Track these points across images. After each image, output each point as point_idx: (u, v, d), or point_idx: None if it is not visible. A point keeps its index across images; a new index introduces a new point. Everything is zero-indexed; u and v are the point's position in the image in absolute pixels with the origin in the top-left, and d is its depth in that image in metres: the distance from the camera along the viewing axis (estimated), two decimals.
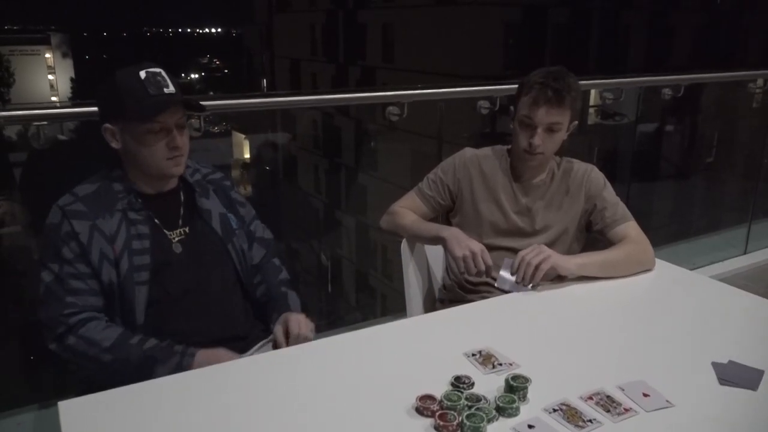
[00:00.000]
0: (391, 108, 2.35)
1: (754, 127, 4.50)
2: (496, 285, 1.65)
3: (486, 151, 1.85)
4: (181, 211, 1.50)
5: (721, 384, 1.18)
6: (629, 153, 4.28)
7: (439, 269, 1.96)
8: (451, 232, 1.68)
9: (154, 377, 1.24)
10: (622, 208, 1.74)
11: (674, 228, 4.78)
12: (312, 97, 2.35)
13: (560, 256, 1.57)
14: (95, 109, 1.46)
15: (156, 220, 1.45)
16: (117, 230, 1.39)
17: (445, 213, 1.88)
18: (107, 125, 1.40)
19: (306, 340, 1.42)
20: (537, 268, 1.52)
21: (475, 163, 1.81)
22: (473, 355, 1.26)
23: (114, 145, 1.41)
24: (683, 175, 5.35)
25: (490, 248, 1.68)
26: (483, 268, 1.57)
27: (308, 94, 2.36)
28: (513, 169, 1.80)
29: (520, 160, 1.76)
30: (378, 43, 20.80)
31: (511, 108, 1.76)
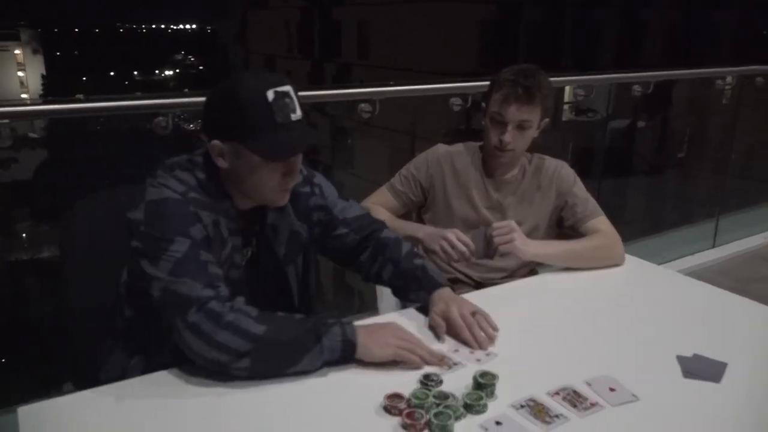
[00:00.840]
0: (363, 105, 2.35)
1: (723, 123, 4.58)
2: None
3: (458, 147, 1.85)
4: (257, 228, 1.35)
5: (685, 377, 1.20)
6: (602, 149, 4.33)
7: None
8: (424, 231, 1.68)
9: (302, 367, 1.14)
10: (592, 203, 1.76)
11: (646, 222, 4.85)
12: None
13: (523, 242, 1.58)
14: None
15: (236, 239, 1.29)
16: (228, 235, 1.25)
17: (417, 209, 1.88)
18: (217, 143, 1.21)
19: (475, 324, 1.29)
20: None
21: (447, 159, 1.82)
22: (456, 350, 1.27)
23: (219, 163, 1.23)
24: (654, 171, 5.43)
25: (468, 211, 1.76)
26: (464, 249, 1.56)
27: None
28: (485, 165, 1.80)
29: (491, 157, 1.77)
30: (353, 40, 20.77)
31: (483, 105, 1.77)
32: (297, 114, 1.20)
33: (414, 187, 1.81)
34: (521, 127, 1.68)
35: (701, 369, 1.22)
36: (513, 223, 1.58)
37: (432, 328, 1.34)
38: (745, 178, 5.16)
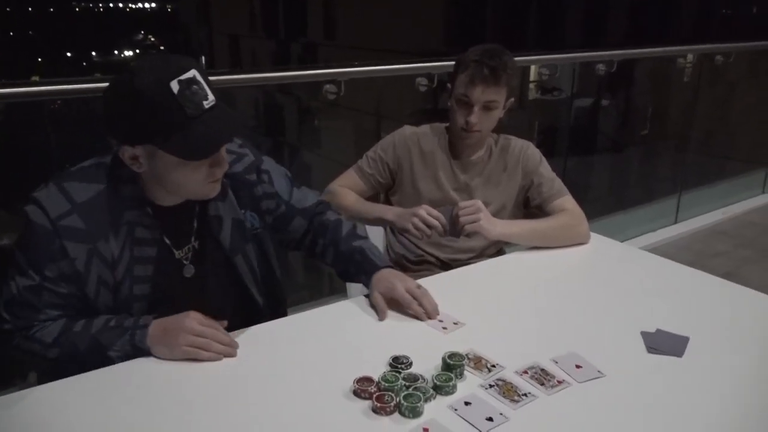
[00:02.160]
0: (328, 86, 2.32)
1: (684, 101, 4.67)
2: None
3: (425, 128, 1.84)
4: (195, 223, 1.28)
5: (649, 352, 1.23)
6: (567, 127, 4.38)
7: (379, 248, 1.95)
8: (394, 212, 1.67)
9: (111, 361, 1.15)
10: (558, 183, 1.77)
11: (610, 200, 4.93)
12: (248, 75, 2.28)
13: (489, 222, 1.59)
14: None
15: (166, 240, 1.24)
16: (120, 254, 1.18)
17: (385, 191, 1.87)
18: (127, 148, 1.11)
19: (424, 295, 1.32)
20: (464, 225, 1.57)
21: (414, 140, 1.81)
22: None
23: (135, 168, 1.14)
24: (618, 148, 5.50)
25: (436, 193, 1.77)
26: (437, 223, 1.56)
27: (244, 73, 2.29)
28: (451, 147, 1.80)
29: (457, 138, 1.77)
30: (319, 19, 20.47)
31: (449, 85, 1.76)
32: (210, 100, 1.10)
33: (381, 169, 1.80)
34: (487, 107, 1.68)
35: (664, 344, 1.25)
36: (479, 203, 1.59)
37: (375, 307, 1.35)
38: (705, 155, 5.27)
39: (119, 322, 1.18)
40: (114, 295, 1.20)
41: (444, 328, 1.29)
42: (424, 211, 1.57)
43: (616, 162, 5.50)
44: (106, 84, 1.11)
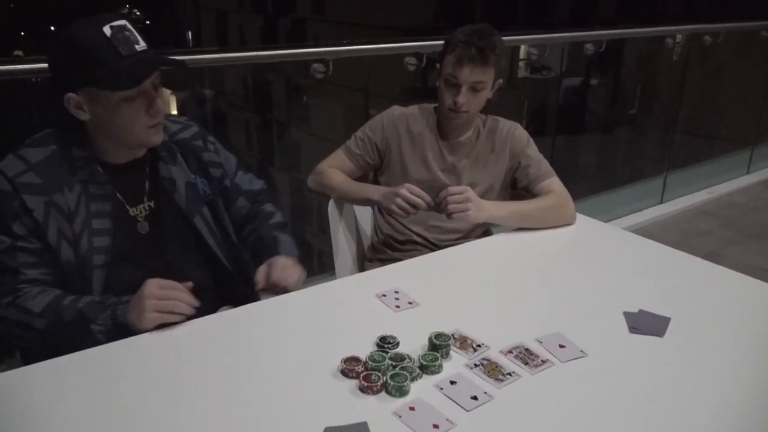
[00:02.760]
0: (316, 65, 2.30)
1: (672, 82, 4.68)
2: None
3: (413, 109, 1.84)
4: (147, 184, 1.34)
5: (631, 332, 1.25)
6: (555, 106, 4.38)
7: (368, 228, 1.97)
8: (380, 192, 1.68)
9: (96, 340, 1.17)
10: (545, 164, 1.78)
11: (597, 179, 4.96)
12: (235, 54, 2.27)
13: (477, 208, 1.58)
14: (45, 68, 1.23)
15: (119, 195, 1.30)
16: (76, 206, 1.24)
17: (373, 171, 1.87)
18: (71, 95, 1.20)
19: (284, 291, 1.34)
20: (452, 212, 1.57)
21: (402, 121, 1.81)
22: (384, 295, 1.35)
23: (81, 116, 1.22)
24: (606, 128, 5.52)
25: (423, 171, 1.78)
26: (419, 201, 1.57)
27: (232, 51, 2.27)
28: (439, 127, 1.80)
29: (445, 119, 1.77)
30: None
31: (437, 65, 1.76)
32: (141, 45, 1.20)
33: (370, 149, 1.80)
34: (475, 88, 1.68)
35: (646, 324, 1.27)
36: (469, 191, 1.59)
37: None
38: (692, 135, 5.30)
39: (104, 299, 1.23)
40: (75, 249, 1.24)
41: (397, 306, 1.32)
42: (406, 190, 1.58)
43: (604, 141, 5.53)
44: (49, 45, 1.22)
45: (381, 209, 1.81)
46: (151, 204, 1.35)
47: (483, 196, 1.74)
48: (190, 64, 2.17)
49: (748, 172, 5.00)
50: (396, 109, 1.84)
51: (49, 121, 1.33)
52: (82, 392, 1.04)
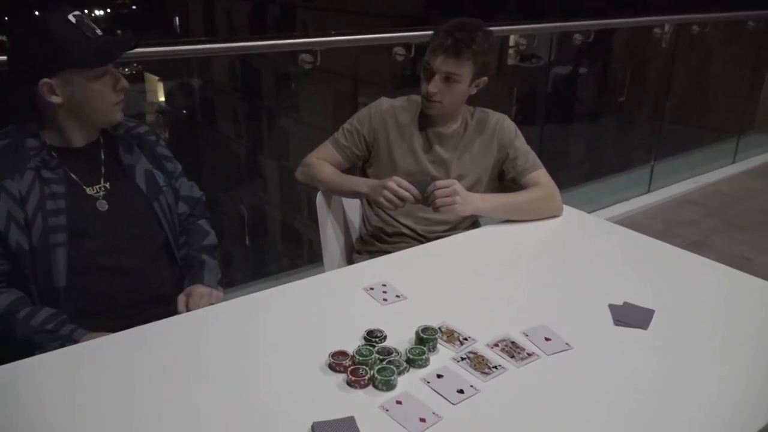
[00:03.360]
0: (304, 56, 2.29)
1: (660, 71, 4.70)
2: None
3: (401, 101, 1.84)
4: (103, 168, 1.42)
5: (615, 325, 1.27)
6: (544, 94, 4.38)
7: (356, 220, 1.97)
8: (368, 185, 1.68)
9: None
10: (532, 156, 1.79)
11: (585, 169, 4.98)
12: (222, 45, 2.25)
13: (464, 201, 1.59)
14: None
15: (74, 176, 1.37)
16: (29, 191, 1.31)
17: (361, 163, 1.87)
18: (45, 80, 1.29)
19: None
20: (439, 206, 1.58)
21: (390, 113, 1.81)
22: (371, 288, 1.37)
23: (55, 100, 1.31)
24: (594, 117, 5.54)
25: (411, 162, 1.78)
26: (406, 194, 1.57)
27: (219, 42, 2.25)
28: (426, 119, 1.80)
29: (423, 107, 1.77)
30: None
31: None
32: (100, 31, 1.32)
33: (358, 141, 1.80)
34: (448, 79, 1.67)
35: (630, 316, 1.29)
36: (456, 185, 1.59)
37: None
38: (679, 125, 5.33)
39: (57, 328, 1.29)
40: (29, 232, 1.30)
41: (385, 300, 1.33)
42: (394, 183, 1.57)
43: (591, 131, 5.54)
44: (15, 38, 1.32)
45: (369, 202, 1.81)
46: (107, 185, 1.42)
47: (471, 188, 1.75)
48: (178, 55, 2.16)
49: (733, 162, 5.04)
50: (384, 101, 1.84)
51: (6, 114, 1.42)
52: (66, 388, 1.04)
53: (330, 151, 1.82)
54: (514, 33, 3.32)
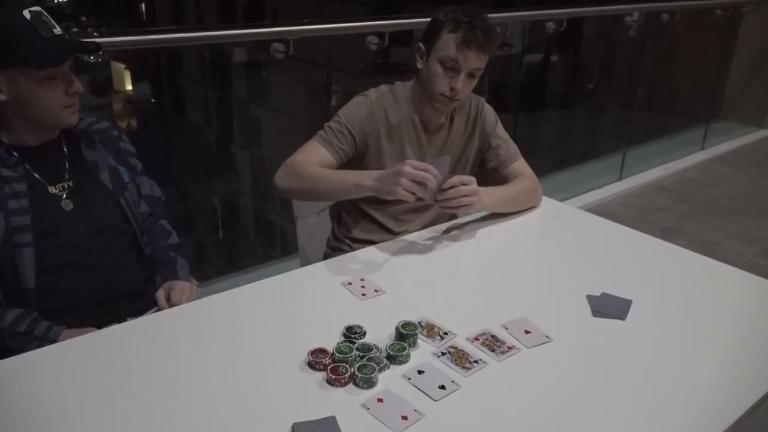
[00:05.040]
0: (276, 45, 2.25)
1: (631, 59, 4.74)
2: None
3: (388, 97, 1.67)
4: (66, 165, 1.38)
5: (594, 316, 1.27)
6: (517, 83, 4.40)
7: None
8: (373, 177, 1.41)
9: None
10: (513, 145, 1.77)
11: (558, 156, 5.02)
12: (191, 34, 2.18)
13: (482, 199, 1.52)
14: None
15: (36, 175, 1.33)
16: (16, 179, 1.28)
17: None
18: None
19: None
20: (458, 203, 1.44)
21: (381, 112, 1.65)
22: (349, 283, 1.35)
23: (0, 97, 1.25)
24: (567, 106, 5.58)
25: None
26: (428, 176, 1.33)
27: (188, 31, 2.19)
28: (419, 116, 1.67)
29: (431, 104, 1.62)
30: None
31: (421, 45, 1.60)
32: (58, 30, 1.26)
33: (350, 140, 1.63)
34: (472, 75, 1.56)
35: (608, 307, 1.29)
36: (474, 183, 1.46)
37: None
38: (650, 112, 5.40)
39: (30, 329, 1.26)
40: None
41: (363, 294, 1.31)
42: (410, 167, 1.32)
43: (564, 118, 5.58)
44: None
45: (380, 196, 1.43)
46: (71, 183, 1.38)
47: (454, 169, 1.71)
48: (144, 45, 2.10)
49: (702, 149, 5.13)
50: (372, 98, 1.65)
51: None
52: (44, 388, 1.01)
53: (318, 150, 1.59)
54: None
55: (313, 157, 1.57)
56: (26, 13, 1.22)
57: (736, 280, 1.46)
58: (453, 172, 1.71)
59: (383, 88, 1.70)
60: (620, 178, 4.36)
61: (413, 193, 1.33)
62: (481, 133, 1.75)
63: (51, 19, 1.26)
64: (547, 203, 1.81)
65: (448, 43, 1.52)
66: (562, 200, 1.89)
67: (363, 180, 1.43)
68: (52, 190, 1.35)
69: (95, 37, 1.98)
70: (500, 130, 1.77)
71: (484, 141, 1.76)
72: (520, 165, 1.74)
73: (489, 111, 1.76)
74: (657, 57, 5.12)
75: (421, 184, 1.33)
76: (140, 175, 1.57)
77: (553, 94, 5.38)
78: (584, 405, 1.02)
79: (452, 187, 1.43)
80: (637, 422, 0.98)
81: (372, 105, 1.65)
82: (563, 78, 5.59)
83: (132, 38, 2.05)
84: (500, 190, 1.69)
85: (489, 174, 1.77)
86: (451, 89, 1.55)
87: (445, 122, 1.72)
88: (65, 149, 1.39)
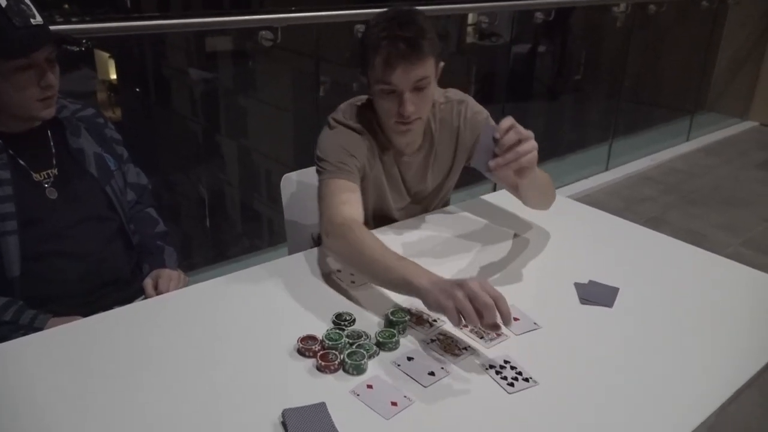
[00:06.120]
0: (264, 32, 2.23)
1: (618, 50, 4.76)
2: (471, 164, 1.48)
3: (355, 127, 1.48)
4: (53, 152, 1.38)
5: (582, 303, 1.28)
6: (505, 73, 4.40)
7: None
8: (429, 279, 1.10)
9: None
10: None
11: (545, 147, 5.03)
12: (177, 21, 2.17)
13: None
14: None
15: (20, 161, 1.32)
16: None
17: None
18: None
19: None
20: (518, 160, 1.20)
21: (355, 146, 1.46)
22: (339, 271, 1.35)
23: None
24: (554, 96, 5.59)
25: (379, 214, 1.54)
26: (490, 302, 1.03)
27: (173, 18, 2.18)
28: (390, 144, 1.51)
29: (395, 133, 1.46)
30: None
31: (361, 75, 1.43)
32: (38, 19, 1.23)
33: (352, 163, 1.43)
34: (419, 88, 1.36)
35: (596, 295, 1.30)
36: (532, 139, 1.23)
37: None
38: (635, 103, 5.43)
39: (15, 317, 1.26)
40: None
41: (352, 282, 1.31)
42: (477, 286, 1.04)
43: (552, 109, 5.60)
44: None
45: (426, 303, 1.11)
46: (55, 171, 1.36)
47: (443, 185, 1.65)
48: (128, 31, 2.08)
49: (687, 140, 5.17)
50: (342, 134, 1.47)
51: None
52: (30, 376, 1.00)
53: (341, 184, 1.37)
54: (474, 11, 3.30)
55: (345, 198, 1.35)
56: (2, 1, 1.19)
57: (721, 268, 1.48)
58: (443, 185, 1.64)
59: (346, 115, 1.50)
60: (607, 169, 4.38)
61: (461, 320, 1.04)
62: (473, 134, 1.57)
63: (32, 8, 1.23)
64: None
65: (375, 67, 1.34)
66: None
67: (416, 277, 1.11)
68: (36, 177, 1.34)
69: (75, 23, 1.96)
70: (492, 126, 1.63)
71: (476, 139, 1.56)
72: None
73: (475, 112, 1.57)
74: (644, 48, 5.15)
75: (478, 313, 1.03)
76: (126, 163, 1.56)
77: (541, 84, 5.39)
78: (572, 391, 1.03)
79: (509, 148, 1.18)
80: (624, 406, 0.99)
81: (345, 134, 1.47)
82: (551, 68, 5.59)
83: (115, 25, 2.03)
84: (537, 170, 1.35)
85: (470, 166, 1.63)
86: (400, 114, 1.37)
87: (423, 142, 1.55)
88: (51, 136, 1.37)
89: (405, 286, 1.14)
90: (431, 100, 1.44)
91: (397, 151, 1.52)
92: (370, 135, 1.49)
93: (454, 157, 1.62)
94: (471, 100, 1.61)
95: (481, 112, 1.58)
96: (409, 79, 1.33)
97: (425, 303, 1.10)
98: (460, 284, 1.05)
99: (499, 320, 1.04)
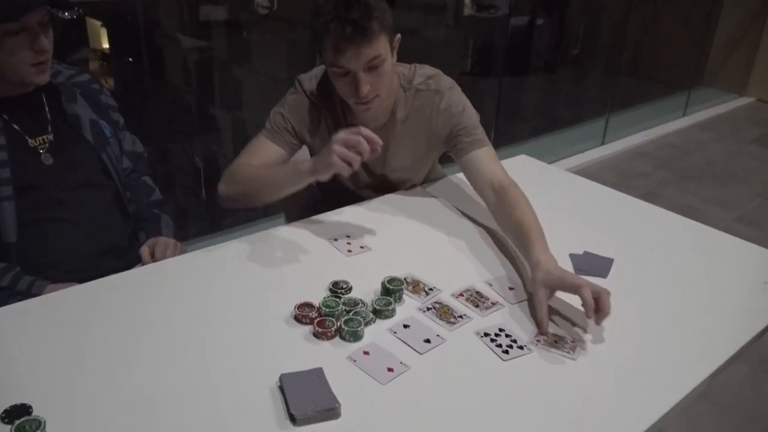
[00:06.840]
0: (260, 0, 2.19)
1: (616, 24, 4.72)
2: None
3: (313, 96, 1.50)
4: (48, 117, 1.36)
5: (576, 273, 1.29)
6: (502, 46, 4.35)
7: None
8: (310, 161, 1.28)
9: None
10: (481, 131, 1.52)
11: (541, 121, 5.01)
12: None
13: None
14: None
15: (15, 126, 1.31)
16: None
17: None
18: None
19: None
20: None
21: (300, 116, 1.49)
22: (335, 239, 1.36)
23: None
24: (551, 69, 5.55)
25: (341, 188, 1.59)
26: (359, 138, 1.19)
27: None
28: (353, 117, 1.50)
29: (358, 113, 1.45)
30: None
31: (318, 56, 1.42)
32: None
33: (289, 130, 1.49)
34: (372, 68, 1.33)
35: (591, 265, 1.31)
36: (596, 288, 1.12)
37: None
38: (633, 78, 5.41)
39: (12, 284, 1.26)
40: None
41: (349, 251, 1.32)
42: (341, 133, 1.21)
43: (549, 83, 5.56)
44: None
45: (321, 181, 1.30)
46: (51, 137, 1.36)
47: (414, 166, 1.62)
48: None
49: (684, 115, 5.16)
50: (292, 101, 1.50)
51: None
52: (26, 341, 1.00)
53: (264, 144, 1.45)
54: None
55: (259, 155, 1.44)
56: None
57: (714, 240, 1.49)
58: (412, 168, 1.59)
59: (312, 81, 1.51)
60: (603, 143, 4.38)
61: (350, 164, 1.18)
62: (444, 128, 1.52)
63: None
64: (531, 164, 1.82)
65: (326, 50, 1.33)
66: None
67: (300, 165, 1.29)
68: (32, 143, 1.33)
69: None
70: (466, 117, 1.51)
71: (448, 131, 1.52)
72: (485, 153, 1.48)
73: (454, 103, 1.52)
74: (642, 23, 5.10)
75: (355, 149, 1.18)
76: (122, 130, 1.54)
77: (539, 58, 5.34)
78: (565, 357, 1.04)
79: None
80: (617, 374, 1.01)
81: (296, 101, 1.50)
82: (549, 42, 5.55)
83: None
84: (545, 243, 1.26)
85: (450, 153, 1.59)
86: (358, 95, 1.35)
87: (388, 121, 1.52)
88: (45, 101, 1.36)
89: (297, 175, 1.30)
90: (389, 76, 1.40)
91: (361, 125, 1.38)
92: (327, 106, 1.50)
93: (427, 144, 1.57)
94: (454, 92, 1.54)
95: (458, 104, 1.52)
96: (360, 61, 1.31)
97: (317, 173, 1.25)
98: (332, 141, 1.21)
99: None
